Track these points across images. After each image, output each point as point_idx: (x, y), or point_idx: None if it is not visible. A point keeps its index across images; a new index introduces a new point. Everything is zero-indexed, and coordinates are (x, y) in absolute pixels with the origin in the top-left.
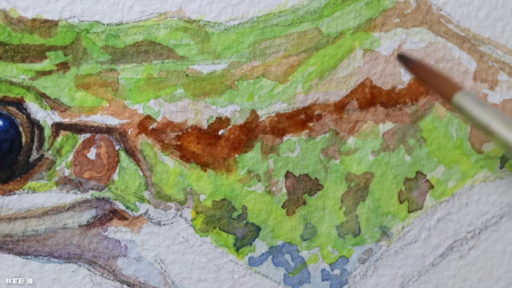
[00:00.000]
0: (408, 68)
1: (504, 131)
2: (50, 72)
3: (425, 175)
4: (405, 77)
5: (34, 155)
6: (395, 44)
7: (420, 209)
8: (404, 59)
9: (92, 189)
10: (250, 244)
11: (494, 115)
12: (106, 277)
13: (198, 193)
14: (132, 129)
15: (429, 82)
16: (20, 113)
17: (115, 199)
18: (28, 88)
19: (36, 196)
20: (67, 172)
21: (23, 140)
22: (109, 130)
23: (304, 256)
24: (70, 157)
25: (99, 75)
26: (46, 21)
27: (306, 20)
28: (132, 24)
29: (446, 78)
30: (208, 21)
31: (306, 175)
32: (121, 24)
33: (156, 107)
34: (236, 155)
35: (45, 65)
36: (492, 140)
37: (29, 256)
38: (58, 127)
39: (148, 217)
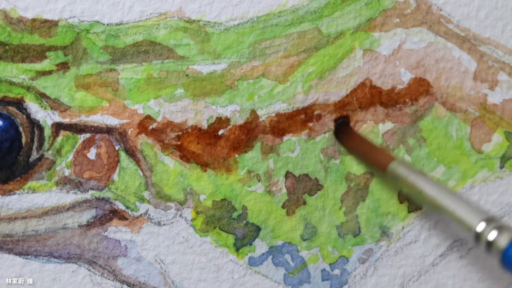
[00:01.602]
0: (341, 141)
1: (437, 198)
2: (50, 72)
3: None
4: (405, 77)
5: (34, 155)
6: (395, 44)
7: (420, 209)
8: (339, 131)
9: (92, 189)
10: (250, 244)
11: (426, 183)
12: (106, 277)
13: (198, 193)
14: (132, 129)
15: (363, 153)
16: (20, 113)
17: (115, 199)
18: (28, 88)
19: (36, 196)
20: (67, 172)
21: (23, 140)
22: (109, 130)
23: (304, 256)
24: (70, 157)
25: (99, 75)
26: (46, 21)
27: (306, 20)
28: (132, 24)
29: (381, 149)
30: (208, 21)
31: (306, 175)
32: (121, 24)
33: (156, 107)
34: (236, 155)
35: (45, 65)
36: (425, 206)
37: (29, 256)
38: (58, 127)
39: (148, 217)
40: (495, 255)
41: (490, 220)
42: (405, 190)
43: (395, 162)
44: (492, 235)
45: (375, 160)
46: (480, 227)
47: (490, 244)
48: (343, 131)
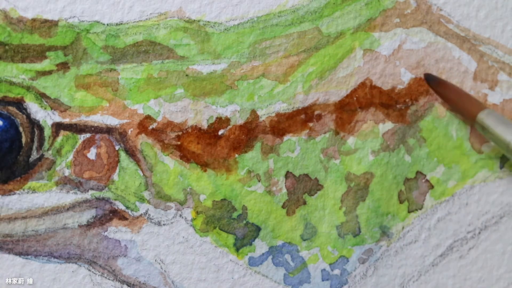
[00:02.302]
0: (433, 87)
1: None
2: (50, 72)
3: (425, 175)
4: (405, 77)
5: (34, 155)
6: (395, 44)
7: (420, 209)
8: (430, 78)
9: (92, 189)
10: (250, 244)
11: None
12: (106, 277)
13: (198, 193)
14: (132, 129)
15: (453, 101)
16: (20, 113)
17: (115, 199)
18: (28, 88)
19: (36, 196)
20: (67, 172)
21: (23, 140)
22: (109, 130)
23: (304, 256)
24: (70, 157)
25: (99, 75)
26: (46, 21)
27: (306, 20)
28: (132, 24)
29: (471, 97)
30: (208, 21)
31: (306, 175)
32: (121, 24)
33: (156, 107)
34: (236, 155)
35: (45, 65)
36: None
37: (29, 256)
38: (58, 127)
39: (148, 217)
40: None
41: None
42: (493, 141)
43: (484, 112)
44: None
45: (464, 110)
46: None
47: None
48: (434, 80)
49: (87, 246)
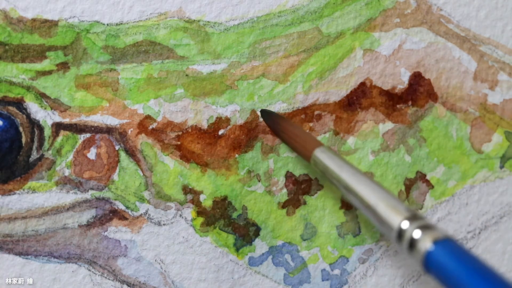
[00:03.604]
0: (269, 124)
1: (358, 190)
2: (50, 72)
3: (425, 175)
4: (405, 77)
5: (34, 155)
6: (395, 44)
7: (420, 209)
8: (264, 115)
9: (92, 189)
10: (250, 244)
11: (348, 173)
12: (106, 277)
13: (198, 193)
14: (132, 129)
15: (289, 140)
16: (20, 113)
17: (115, 199)
18: (28, 88)
19: (36, 196)
20: (67, 172)
21: (23, 140)
22: (109, 130)
23: (304, 256)
24: (70, 157)
25: (99, 75)
26: (46, 21)
27: (306, 20)
28: (132, 24)
29: (306, 135)
30: (208, 21)
31: (306, 175)
32: (121, 24)
33: (156, 107)
34: (236, 155)
35: (45, 65)
36: (348, 198)
37: (29, 256)
38: (58, 127)
39: (148, 217)
40: (417, 257)
41: (414, 218)
42: (328, 180)
43: (320, 149)
44: (416, 234)
45: (300, 147)
46: (404, 224)
47: (412, 244)
48: (270, 117)
49: (87, 246)
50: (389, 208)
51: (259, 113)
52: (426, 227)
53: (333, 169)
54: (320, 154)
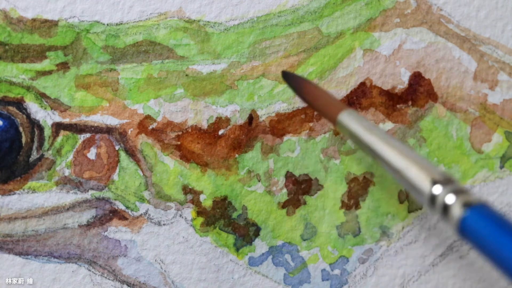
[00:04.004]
0: (293, 86)
1: (387, 151)
2: (50, 72)
3: None
4: (405, 77)
5: (34, 155)
6: (395, 44)
7: (420, 209)
8: (288, 77)
9: (92, 189)
10: (250, 244)
11: (377, 136)
12: (106, 277)
13: (198, 193)
14: (132, 129)
15: (313, 102)
16: (20, 113)
17: (115, 199)
18: (28, 88)
19: (36, 196)
20: (67, 172)
21: (23, 140)
22: (109, 130)
23: (304, 256)
24: (70, 157)
25: (99, 75)
26: (46, 21)
27: (306, 20)
28: (132, 24)
29: (332, 98)
30: (208, 21)
31: (306, 175)
32: (121, 24)
33: (156, 107)
34: (236, 155)
35: (45, 65)
36: (376, 160)
37: (29, 256)
38: (58, 127)
39: (148, 217)
40: (452, 222)
41: (447, 182)
42: (356, 144)
43: (345, 112)
44: (449, 199)
45: (325, 111)
46: (436, 189)
47: (446, 209)
48: (295, 80)
49: (87, 246)
50: (420, 172)
51: (281, 76)
52: (459, 192)
53: (360, 133)
54: (346, 117)
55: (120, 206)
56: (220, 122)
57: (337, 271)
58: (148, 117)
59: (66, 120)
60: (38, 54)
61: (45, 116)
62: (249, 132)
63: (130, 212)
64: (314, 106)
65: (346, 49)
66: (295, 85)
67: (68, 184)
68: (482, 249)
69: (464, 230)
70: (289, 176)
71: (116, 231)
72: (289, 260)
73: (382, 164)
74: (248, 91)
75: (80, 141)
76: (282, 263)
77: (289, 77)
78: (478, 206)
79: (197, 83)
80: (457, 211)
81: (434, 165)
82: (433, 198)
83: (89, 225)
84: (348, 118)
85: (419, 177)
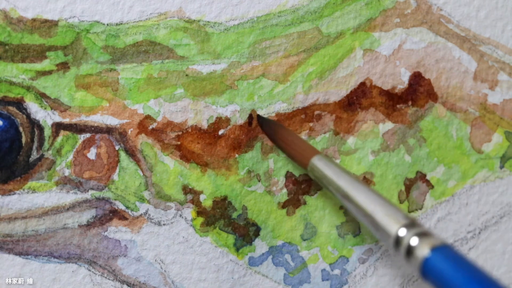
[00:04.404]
0: (266, 131)
1: (355, 196)
2: (50, 72)
3: (425, 175)
4: (405, 77)
5: (34, 155)
6: (395, 44)
7: (420, 209)
8: (262, 122)
9: (92, 189)
10: (250, 244)
11: (346, 180)
12: (106, 277)
13: (198, 193)
14: (132, 129)
15: (285, 147)
16: (20, 113)
17: (115, 199)
18: (28, 88)
19: (36, 196)
20: (67, 172)
21: (23, 140)
22: (109, 130)
23: (304, 256)
24: (70, 157)
25: (99, 75)
26: (46, 21)
27: (306, 20)
28: (132, 24)
29: (304, 143)
30: (208, 21)
31: (306, 175)
32: (121, 24)
33: (156, 107)
34: (236, 155)
35: (45, 65)
36: (345, 204)
37: (29, 256)
38: (58, 127)
39: (148, 217)
40: (415, 264)
41: (412, 225)
42: (325, 187)
43: (317, 157)
44: (413, 241)
45: (297, 155)
46: (401, 232)
47: (410, 251)
48: (268, 124)
49: (87, 246)
50: (387, 216)
51: (256, 119)
52: (423, 234)
53: (331, 177)
54: (318, 162)
55: (120, 206)
56: (220, 122)
57: (337, 271)
58: (148, 117)
59: (66, 120)
60: (38, 54)
61: (45, 116)
62: (249, 132)
63: (130, 212)
64: (285, 150)
65: (346, 49)
66: (268, 130)
67: (68, 184)
68: None
69: (427, 271)
70: (289, 176)
71: (116, 231)
72: (289, 260)
73: (350, 207)
74: (248, 91)
75: (80, 141)
76: (282, 263)
77: (262, 122)
78: (440, 248)
79: (197, 83)
80: (420, 253)
81: (400, 209)
82: (397, 240)
83: (89, 225)
84: (319, 163)
85: (385, 220)
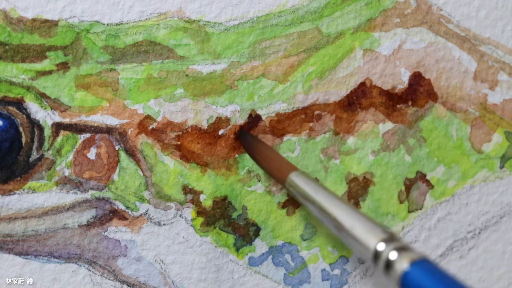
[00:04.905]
0: (245, 145)
1: (333, 211)
2: (50, 72)
3: (425, 175)
4: (405, 77)
5: (34, 155)
6: (395, 44)
7: (420, 209)
8: (242, 136)
9: (92, 189)
10: (250, 244)
11: (324, 196)
12: (106, 277)
13: (198, 193)
14: (132, 129)
15: (263, 162)
16: (20, 113)
17: (115, 199)
18: (28, 88)
19: (36, 196)
20: (67, 172)
21: (23, 140)
22: (109, 130)
23: (304, 256)
24: (70, 157)
25: (99, 75)
26: (46, 21)
27: (306, 20)
28: (132, 24)
29: (281, 159)
30: (208, 21)
31: None
32: (121, 24)
33: (156, 107)
34: (236, 155)
35: (45, 65)
36: (322, 219)
37: (29, 256)
38: (58, 127)
39: (148, 217)
40: (394, 278)
41: (391, 240)
42: (303, 204)
43: (294, 173)
44: (392, 255)
45: (274, 171)
46: (380, 246)
47: (389, 265)
48: (248, 139)
49: (87, 246)
50: (365, 231)
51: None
52: (402, 249)
53: (309, 193)
54: (295, 178)
55: (120, 206)
56: (220, 122)
57: (337, 271)
58: (148, 117)
59: (66, 120)
60: (38, 54)
61: (45, 116)
62: (249, 132)
63: (130, 212)
64: (263, 166)
65: (346, 49)
66: (247, 145)
67: (68, 184)
68: None
69: (406, 285)
70: None
71: (116, 231)
72: (289, 260)
73: (328, 222)
74: (248, 91)
75: (80, 141)
76: (282, 263)
77: (242, 136)
78: (419, 262)
79: (197, 83)
80: (399, 267)
81: (379, 224)
82: (376, 255)
83: (89, 225)
84: (297, 179)
85: (364, 235)
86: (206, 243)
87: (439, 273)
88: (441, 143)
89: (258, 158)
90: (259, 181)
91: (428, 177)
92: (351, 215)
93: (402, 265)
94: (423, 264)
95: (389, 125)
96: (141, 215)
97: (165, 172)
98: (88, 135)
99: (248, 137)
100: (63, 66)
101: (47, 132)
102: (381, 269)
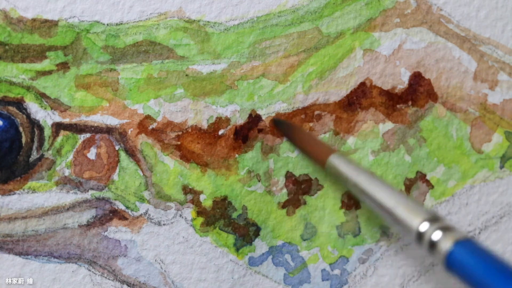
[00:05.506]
0: (284, 132)
1: (375, 191)
2: (50, 72)
3: (425, 175)
4: (405, 77)
5: (34, 155)
6: (395, 44)
7: None
8: (279, 124)
9: (92, 189)
10: (250, 244)
11: (366, 178)
12: (106, 277)
13: (198, 193)
14: (132, 129)
15: (303, 147)
16: (20, 113)
17: (115, 199)
18: (28, 88)
19: (36, 196)
20: (67, 172)
21: (23, 140)
22: (109, 130)
23: (304, 256)
24: (70, 157)
25: (99, 75)
26: (46, 21)
27: (306, 20)
28: (132, 24)
29: (320, 142)
30: (208, 21)
31: (306, 175)
32: (121, 24)
33: (156, 107)
34: (236, 155)
35: (45, 65)
36: (366, 203)
37: (29, 256)
38: (58, 127)
39: (148, 217)
40: (439, 258)
41: (434, 220)
42: (345, 185)
43: (334, 155)
44: (436, 236)
45: (315, 154)
46: (423, 226)
47: (433, 245)
48: (285, 127)
49: (87, 246)
50: (408, 211)
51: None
52: (446, 228)
53: (350, 174)
54: (335, 160)
55: (120, 206)
56: (220, 122)
57: (337, 271)
58: (148, 117)
59: (66, 120)
60: (38, 54)
61: (45, 116)
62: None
63: (130, 212)
64: (304, 150)
65: (346, 49)
66: (286, 132)
67: (68, 184)
68: (468, 282)
69: (451, 264)
70: (289, 176)
71: (116, 231)
72: (289, 260)
73: (370, 203)
74: (248, 91)
75: (80, 141)
76: (282, 263)
77: (279, 124)
78: (464, 242)
79: (197, 83)
80: (443, 247)
81: (421, 204)
82: (420, 235)
83: (89, 225)
84: (337, 161)
85: (407, 215)
86: (206, 243)
87: (484, 253)
88: (441, 143)
89: (298, 143)
90: (259, 181)
91: (428, 177)
92: (393, 196)
93: (446, 245)
94: (467, 243)
95: (389, 125)
96: (141, 215)
97: (165, 172)
98: (88, 135)
99: (285, 125)
100: (63, 66)
101: (47, 132)
102: (425, 249)
